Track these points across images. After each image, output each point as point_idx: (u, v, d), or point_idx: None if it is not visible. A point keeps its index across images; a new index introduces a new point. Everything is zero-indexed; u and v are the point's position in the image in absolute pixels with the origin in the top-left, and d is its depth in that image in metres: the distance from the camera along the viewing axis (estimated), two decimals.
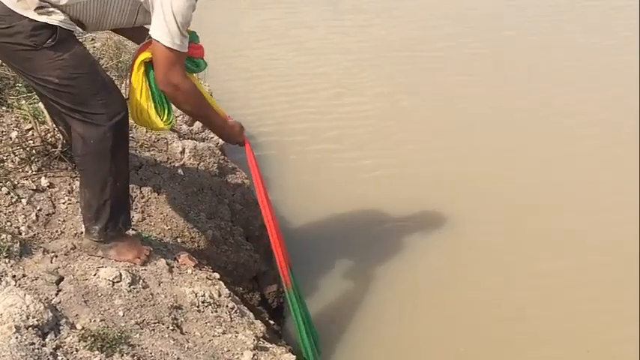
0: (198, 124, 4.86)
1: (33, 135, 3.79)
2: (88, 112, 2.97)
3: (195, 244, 3.88)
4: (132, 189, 3.88)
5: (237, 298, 3.54)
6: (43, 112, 3.86)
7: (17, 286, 2.82)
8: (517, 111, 6.48)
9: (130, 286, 3.08)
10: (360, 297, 4.49)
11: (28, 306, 2.63)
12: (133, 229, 3.62)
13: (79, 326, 2.73)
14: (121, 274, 3.09)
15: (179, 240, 3.82)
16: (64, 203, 3.55)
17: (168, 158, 4.31)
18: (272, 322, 3.96)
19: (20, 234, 3.23)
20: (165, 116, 3.22)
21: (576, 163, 5.74)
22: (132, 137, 4.22)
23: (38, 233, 3.31)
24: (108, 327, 2.77)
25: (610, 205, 5.15)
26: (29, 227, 3.31)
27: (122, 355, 2.63)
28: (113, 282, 3.06)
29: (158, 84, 2.98)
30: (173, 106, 3.18)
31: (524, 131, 6.19)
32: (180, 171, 4.26)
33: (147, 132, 4.41)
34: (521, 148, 5.97)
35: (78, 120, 2.99)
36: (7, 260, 2.98)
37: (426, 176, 5.59)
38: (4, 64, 3.00)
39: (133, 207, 3.84)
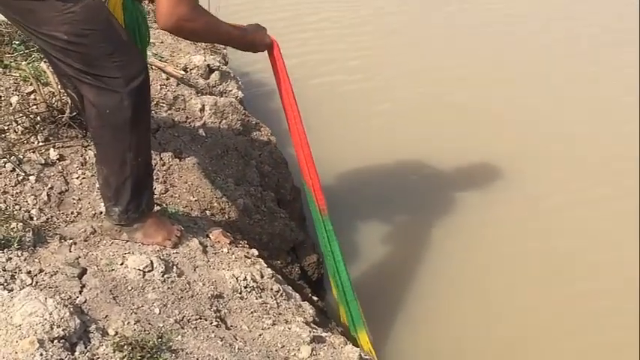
0: (214, 77, 4.37)
1: (36, 99, 3.32)
2: (101, 75, 2.53)
3: (226, 216, 3.46)
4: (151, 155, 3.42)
5: (279, 277, 3.12)
6: (45, 72, 3.38)
7: (35, 287, 2.39)
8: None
9: (163, 276, 2.66)
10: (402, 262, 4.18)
11: (51, 313, 2.22)
12: (157, 204, 3.18)
13: (111, 331, 2.32)
14: (152, 262, 2.67)
15: (208, 212, 3.39)
16: (77, 178, 3.12)
17: (187, 117, 3.86)
18: (315, 297, 3.54)
19: (32, 219, 2.80)
20: None
21: None
22: None
23: (52, 216, 2.88)
24: (145, 330, 2.36)
25: None
26: (41, 210, 2.87)
27: None
28: (144, 272, 2.65)
29: (163, 25, 2.51)
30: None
31: None
32: (201, 131, 3.81)
33: (161, 89, 3.93)
34: None
35: (90, 85, 2.54)
36: (19, 253, 2.56)
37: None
38: (3, 16, 2.49)
39: (155, 177, 3.38)
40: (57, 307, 2.24)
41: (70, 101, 3.22)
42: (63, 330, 2.20)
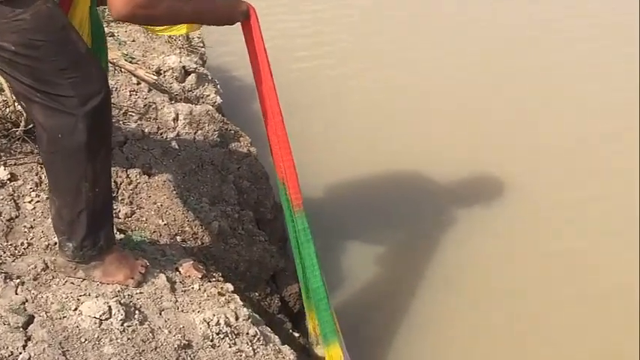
0: (190, 80, 3.99)
1: None
2: (53, 93, 2.18)
3: (199, 242, 3.11)
4: (116, 172, 3.10)
5: (256, 316, 2.77)
6: None
7: None
8: None
9: (122, 324, 2.31)
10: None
11: None
12: (120, 231, 2.82)
13: None
14: (110, 308, 2.32)
15: (179, 238, 3.04)
16: (30, 202, 2.76)
17: (158, 128, 3.49)
18: (297, 333, 3.20)
19: None
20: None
21: None
22: (112, 103, 3.36)
23: None
24: None
25: None
26: None
27: None
28: (100, 320, 2.29)
29: (117, 13, 2.17)
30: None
31: None
32: (174, 143, 3.45)
33: (130, 96, 3.56)
34: None
35: (40, 104, 2.20)
36: None
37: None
38: None
39: (119, 196, 3.03)
40: None
41: (25, 113, 2.85)
42: None
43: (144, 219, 3.03)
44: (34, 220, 2.70)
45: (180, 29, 2.60)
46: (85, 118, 2.19)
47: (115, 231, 2.68)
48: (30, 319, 2.25)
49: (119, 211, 2.99)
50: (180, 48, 4.28)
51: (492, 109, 5.15)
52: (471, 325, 3.63)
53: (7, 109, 2.98)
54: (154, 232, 3.00)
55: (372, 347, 3.46)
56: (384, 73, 5.62)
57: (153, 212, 3.07)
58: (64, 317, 2.30)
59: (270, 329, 2.81)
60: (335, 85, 5.40)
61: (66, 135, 2.21)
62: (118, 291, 2.48)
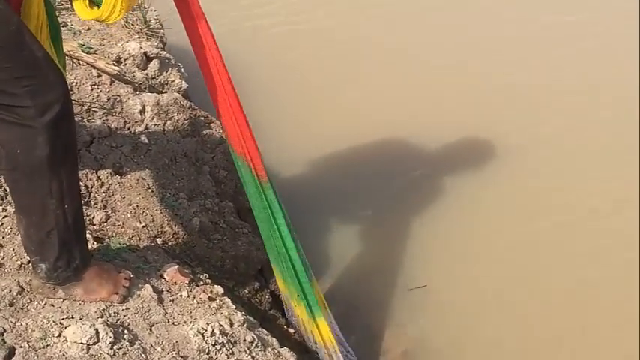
0: (153, 66, 3.76)
1: None
2: (7, 104, 1.96)
3: (180, 241, 2.93)
4: (86, 175, 2.90)
5: (250, 319, 2.60)
6: None
7: None
8: None
9: (112, 347, 2.14)
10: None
11: None
12: (97, 238, 2.63)
13: None
14: (97, 331, 2.14)
15: (159, 240, 2.86)
16: None
17: (125, 122, 3.28)
18: (292, 329, 3.05)
19: None
20: None
21: None
22: (74, 100, 3.14)
23: None
24: None
25: None
26: None
27: None
28: (88, 345, 2.09)
29: None
30: None
31: None
32: (143, 138, 3.25)
33: (92, 90, 3.33)
34: None
35: None
36: None
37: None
38: None
39: (92, 201, 2.83)
40: None
41: None
42: None
43: (120, 223, 2.84)
44: (2, 237, 2.50)
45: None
46: (45, 130, 1.98)
47: (90, 241, 2.50)
48: (11, 353, 2.06)
49: (93, 218, 2.80)
50: (138, 33, 4.04)
51: (482, 73, 4.87)
52: (460, 298, 3.53)
53: None
54: (133, 236, 2.81)
55: (362, 325, 3.34)
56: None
57: (129, 215, 2.88)
58: (47, 345, 2.12)
59: (265, 331, 2.65)
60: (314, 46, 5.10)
61: (25, 150, 2.00)
62: (103, 309, 2.30)
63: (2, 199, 2.62)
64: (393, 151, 4.28)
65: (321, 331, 2.79)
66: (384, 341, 3.27)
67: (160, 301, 2.46)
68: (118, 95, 3.39)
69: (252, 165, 2.50)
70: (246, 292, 3.07)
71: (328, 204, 3.98)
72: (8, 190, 2.28)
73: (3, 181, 2.66)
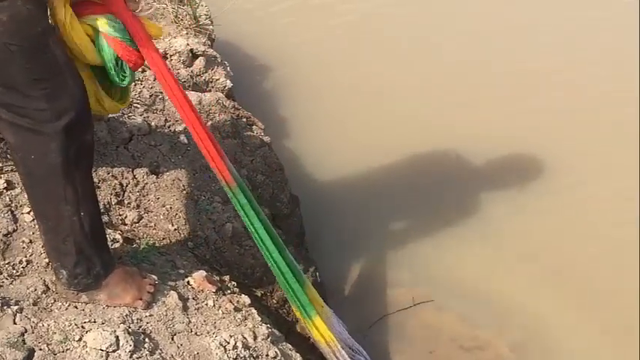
0: (199, 64, 3.71)
1: None
2: (22, 106, 1.92)
3: (211, 246, 2.89)
4: (122, 172, 2.86)
5: (276, 332, 2.56)
6: None
7: None
8: None
9: (131, 356, 2.09)
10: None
11: None
12: (128, 239, 2.58)
13: None
14: (117, 338, 2.09)
15: (190, 244, 2.80)
16: (29, 212, 2.52)
17: (166, 120, 3.24)
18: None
19: None
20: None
21: None
22: None
23: None
24: None
25: None
26: None
27: None
28: (107, 352, 2.05)
29: None
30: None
31: None
32: (182, 138, 3.20)
33: (135, 86, 3.30)
34: None
35: (6, 121, 1.95)
36: None
37: None
38: None
39: (125, 200, 2.79)
40: None
41: None
42: None
43: (152, 224, 2.80)
44: (32, 233, 2.46)
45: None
46: (58, 136, 1.94)
47: (120, 242, 2.47)
48: (30, 354, 2.03)
49: (125, 217, 2.76)
50: (187, 28, 3.99)
51: (507, 84, 4.74)
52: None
53: None
54: (164, 238, 2.77)
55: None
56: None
57: (162, 216, 2.84)
58: (67, 350, 2.09)
59: (290, 346, 2.58)
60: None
61: (38, 156, 1.97)
62: (126, 315, 2.26)
63: None
64: (427, 162, 4.19)
65: (320, 331, 2.68)
66: None
67: (185, 309, 2.41)
68: (161, 92, 3.34)
69: (217, 169, 2.43)
70: (274, 302, 3.01)
71: (358, 209, 3.95)
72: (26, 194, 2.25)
73: None
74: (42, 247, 2.33)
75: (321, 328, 2.65)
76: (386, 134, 4.24)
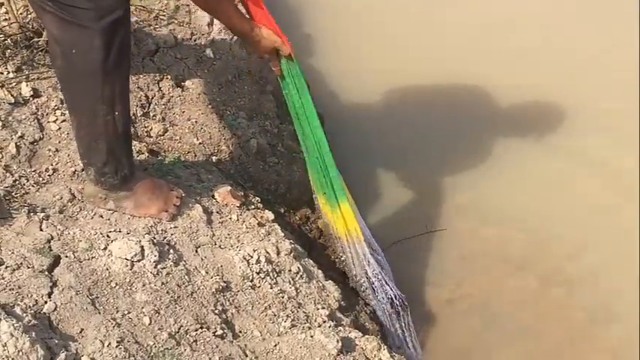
0: None
1: (8, 18, 2.61)
2: (66, 3, 1.86)
3: (236, 161, 2.85)
4: (148, 85, 2.82)
5: (298, 248, 2.53)
6: None
7: None
8: None
9: (156, 266, 2.07)
10: None
11: (5, 344, 1.63)
12: (153, 151, 2.55)
13: (85, 359, 1.72)
14: (142, 248, 2.06)
15: (214, 158, 2.77)
16: (55, 121, 2.49)
17: (192, 34, 3.17)
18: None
19: None
20: None
21: None
22: (142, 6, 3.04)
23: (20, 177, 2.27)
24: (129, 354, 1.77)
25: None
26: (7, 168, 2.28)
27: None
28: (132, 262, 2.03)
29: None
30: None
31: None
32: (208, 51, 3.13)
33: None
34: None
35: (51, 14, 1.89)
36: None
37: None
38: None
39: (151, 112, 2.74)
40: (13, 336, 1.65)
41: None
42: None
43: (177, 138, 2.76)
44: (59, 142, 2.44)
45: None
46: (102, 34, 1.90)
47: (145, 154, 2.44)
48: (56, 261, 2.02)
49: (151, 130, 2.73)
50: None
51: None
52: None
53: (29, 17, 2.65)
54: (189, 152, 2.73)
55: None
56: None
57: (187, 130, 2.80)
58: (92, 258, 2.07)
59: (312, 262, 2.56)
60: None
61: (81, 51, 1.92)
62: (151, 226, 2.24)
63: (62, 103, 2.55)
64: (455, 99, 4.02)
65: (346, 219, 2.65)
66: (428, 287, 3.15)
67: (209, 222, 2.39)
68: (187, 5, 3.27)
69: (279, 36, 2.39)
70: (297, 218, 2.99)
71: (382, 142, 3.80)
72: (60, 88, 2.20)
73: None
74: (75, 150, 2.29)
75: (348, 216, 2.63)
76: (406, 56, 4.10)
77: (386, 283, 2.66)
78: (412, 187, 3.58)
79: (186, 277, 2.13)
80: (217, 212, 2.46)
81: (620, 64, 4.13)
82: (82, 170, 2.23)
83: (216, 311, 2.09)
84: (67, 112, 2.50)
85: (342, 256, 2.74)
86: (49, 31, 1.97)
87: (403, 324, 2.70)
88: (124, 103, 2.07)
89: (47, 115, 2.50)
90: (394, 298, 2.65)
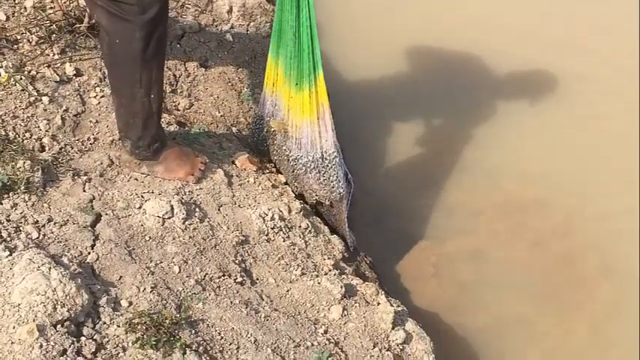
0: None
1: (53, 6, 2.58)
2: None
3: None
4: (175, 65, 2.79)
5: (307, 207, 2.52)
6: None
7: (40, 246, 1.78)
8: None
9: (184, 223, 2.06)
10: None
11: (54, 289, 1.65)
12: (181, 123, 2.54)
13: (124, 302, 1.75)
14: (172, 207, 2.06)
15: (234, 129, 2.74)
16: (95, 97, 2.46)
17: (214, 20, 3.13)
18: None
19: (43, 149, 2.16)
20: None
21: None
22: None
23: (65, 145, 2.24)
24: (162, 299, 1.78)
25: None
26: (54, 137, 2.24)
27: (184, 353, 1.64)
28: (163, 219, 2.03)
29: None
30: None
31: None
32: (228, 36, 3.09)
33: None
34: None
35: (102, 7, 1.90)
36: (26, 197, 1.95)
37: None
38: None
39: (178, 89, 2.72)
40: (61, 282, 1.66)
41: (88, 9, 2.50)
42: (68, 310, 1.63)
43: (202, 111, 2.74)
44: (99, 114, 2.42)
45: None
46: (142, 27, 1.90)
47: (174, 125, 2.42)
48: (97, 218, 2.01)
49: (178, 104, 2.70)
50: None
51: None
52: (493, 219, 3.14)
53: (71, 5, 2.62)
54: (211, 123, 2.71)
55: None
56: None
57: (210, 104, 2.78)
58: (129, 215, 2.06)
59: (319, 219, 2.56)
60: None
61: (123, 41, 1.92)
62: (179, 188, 2.23)
63: (101, 81, 2.53)
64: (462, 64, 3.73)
65: (319, 92, 2.33)
66: (415, 251, 2.99)
67: (230, 184, 2.38)
68: None
69: None
70: None
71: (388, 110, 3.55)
72: (106, 72, 2.19)
73: (101, 64, 2.56)
74: (113, 121, 2.29)
75: (321, 89, 2.33)
76: (409, 25, 3.83)
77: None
78: (418, 149, 3.37)
79: (210, 231, 2.13)
80: (237, 176, 2.45)
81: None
82: (119, 139, 2.22)
83: (236, 261, 2.08)
84: (105, 89, 2.48)
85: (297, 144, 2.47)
86: (99, 22, 1.97)
87: (347, 201, 2.55)
88: (158, 87, 2.06)
89: (88, 91, 2.48)
90: (347, 173, 2.51)
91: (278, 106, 2.50)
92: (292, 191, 2.56)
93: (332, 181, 2.47)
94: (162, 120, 2.31)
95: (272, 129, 2.55)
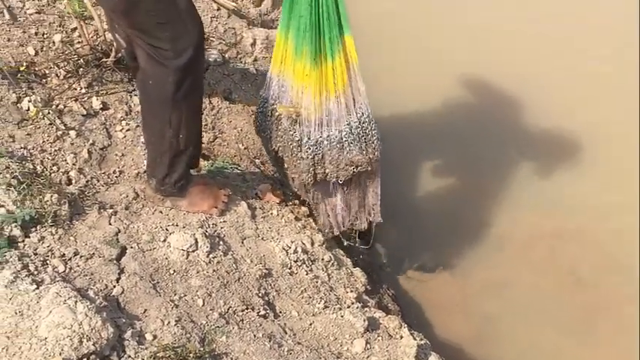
0: (266, 4, 3.62)
1: (81, 41, 2.65)
2: (152, 44, 1.96)
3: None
4: None
5: (330, 239, 2.51)
6: (86, 6, 2.69)
7: (66, 279, 1.81)
8: None
9: (208, 256, 2.08)
10: None
11: (80, 323, 1.66)
12: (204, 155, 2.57)
13: (149, 336, 1.77)
14: (196, 240, 2.09)
15: (257, 161, 2.76)
16: (121, 130, 2.51)
17: (237, 53, 3.18)
18: (365, 246, 2.94)
19: (70, 182, 2.20)
20: None
21: None
22: None
23: (92, 178, 2.28)
24: (186, 332, 1.80)
25: None
26: (80, 170, 2.28)
27: None
28: (188, 252, 2.06)
29: None
30: None
31: None
32: (252, 68, 3.14)
33: (211, 22, 3.23)
34: None
35: (142, 49, 1.99)
36: (53, 230, 1.98)
37: None
38: None
39: (203, 122, 2.74)
40: (87, 316, 1.68)
41: (115, 44, 2.56)
42: (94, 344, 1.65)
43: (225, 144, 2.78)
44: (124, 148, 2.47)
45: None
46: (176, 71, 1.98)
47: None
48: (122, 251, 2.04)
49: (202, 136, 2.72)
50: None
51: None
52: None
53: (98, 39, 2.68)
54: (235, 155, 2.75)
55: None
56: None
57: (233, 137, 2.82)
58: (153, 249, 2.09)
59: (342, 252, 2.57)
60: None
61: (156, 83, 1.99)
62: (203, 221, 2.25)
63: (127, 114, 2.58)
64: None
65: (347, 50, 2.23)
66: (439, 282, 3.02)
67: (253, 217, 2.40)
68: (233, 28, 3.29)
69: None
70: None
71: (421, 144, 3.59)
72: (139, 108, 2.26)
73: (127, 98, 2.62)
74: (138, 154, 2.34)
75: (351, 51, 2.24)
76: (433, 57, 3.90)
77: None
78: (444, 181, 3.43)
79: (233, 265, 2.15)
80: (260, 208, 2.48)
81: None
82: (144, 172, 2.26)
83: (260, 294, 2.10)
84: (130, 122, 2.53)
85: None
86: (139, 61, 2.03)
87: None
88: (189, 128, 2.11)
89: (114, 125, 2.53)
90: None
91: (285, 87, 2.35)
92: (301, 181, 2.41)
93: (374, 142, 2.33)
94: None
95: (277, 113, 2.39)
